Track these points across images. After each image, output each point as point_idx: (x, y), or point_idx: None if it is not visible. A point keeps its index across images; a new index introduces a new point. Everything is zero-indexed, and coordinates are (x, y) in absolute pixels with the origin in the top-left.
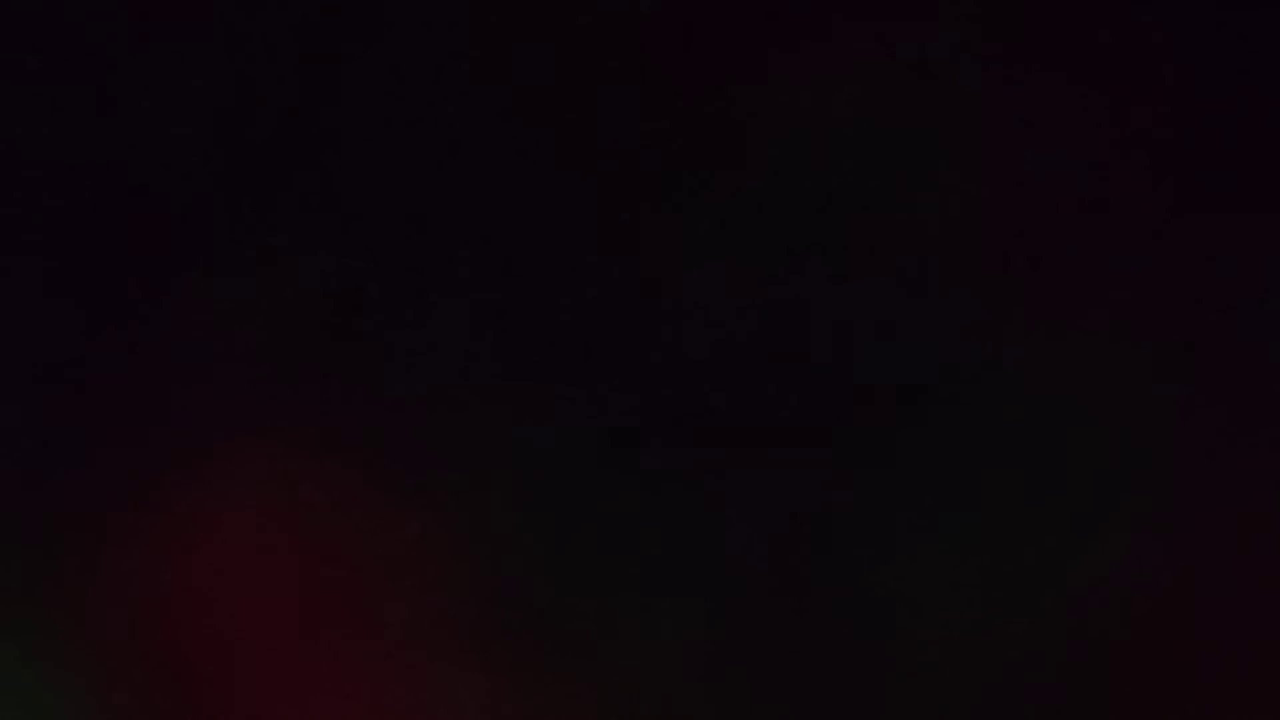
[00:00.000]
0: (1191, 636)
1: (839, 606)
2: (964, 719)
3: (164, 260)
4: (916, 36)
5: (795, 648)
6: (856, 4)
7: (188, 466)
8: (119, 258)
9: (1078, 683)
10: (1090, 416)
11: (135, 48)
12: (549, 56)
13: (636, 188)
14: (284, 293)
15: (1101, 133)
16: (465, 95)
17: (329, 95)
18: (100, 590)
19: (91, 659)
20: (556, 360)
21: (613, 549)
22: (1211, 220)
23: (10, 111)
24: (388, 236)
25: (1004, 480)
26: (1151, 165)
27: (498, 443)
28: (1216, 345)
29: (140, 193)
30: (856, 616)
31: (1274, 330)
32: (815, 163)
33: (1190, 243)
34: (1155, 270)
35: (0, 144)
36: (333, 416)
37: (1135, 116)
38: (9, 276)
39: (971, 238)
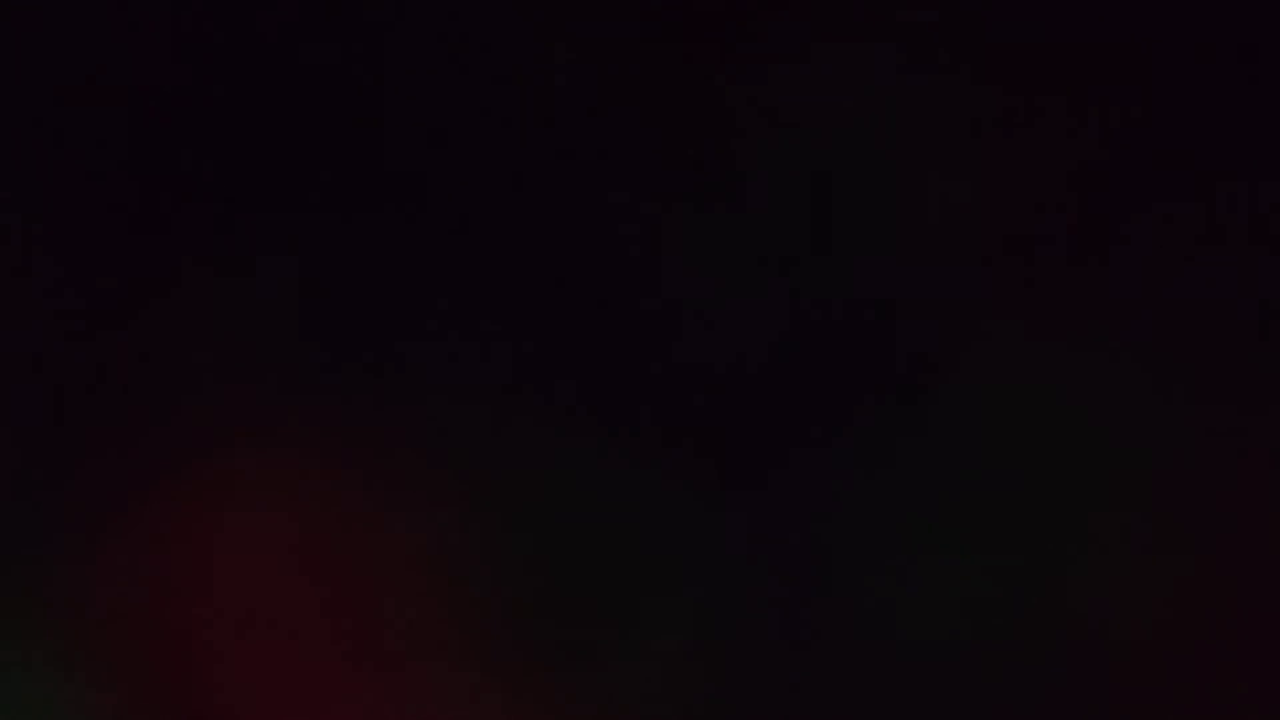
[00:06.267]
0: (1193, 636)
1: (840, 609)
2: None
3: (163, 259)
4: (914, 41)
5: (796, 649)
6: (858, 7)
7: (188, 466)
8: (118, 257)
9: (1079, 684)
10: (1091, 418)
11: (128, 48)
12: (550, 55)
13: (635, 186)
14: (285, 292)
15: (1103, 134)
16: (469, 94)
17: (333, 91)
18: (100, 590)
19: (91, 659)
20: (556, 361)
21: (613, 550)
22: (1211, 220)
23: (9, 114)
24: (392, 237)
25: (1005, 483)
26: (1152, 166)
27: (499, 443)
28: (1216, 345)
29: (140, 191)
30: (858, 618)
31: (1273, 330)
32: (816, 166)
33: (1190, 243)
34: (1155, 271)
35: None
36: (333, 417)
37: (1136, 119)
38: (7, 277)
39: (973, 238)
